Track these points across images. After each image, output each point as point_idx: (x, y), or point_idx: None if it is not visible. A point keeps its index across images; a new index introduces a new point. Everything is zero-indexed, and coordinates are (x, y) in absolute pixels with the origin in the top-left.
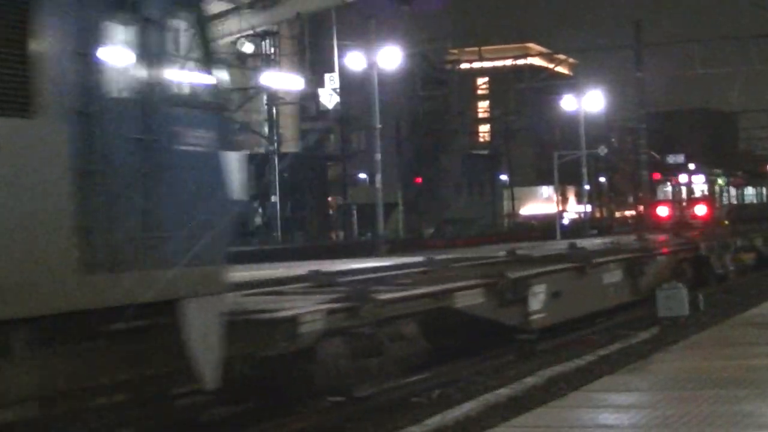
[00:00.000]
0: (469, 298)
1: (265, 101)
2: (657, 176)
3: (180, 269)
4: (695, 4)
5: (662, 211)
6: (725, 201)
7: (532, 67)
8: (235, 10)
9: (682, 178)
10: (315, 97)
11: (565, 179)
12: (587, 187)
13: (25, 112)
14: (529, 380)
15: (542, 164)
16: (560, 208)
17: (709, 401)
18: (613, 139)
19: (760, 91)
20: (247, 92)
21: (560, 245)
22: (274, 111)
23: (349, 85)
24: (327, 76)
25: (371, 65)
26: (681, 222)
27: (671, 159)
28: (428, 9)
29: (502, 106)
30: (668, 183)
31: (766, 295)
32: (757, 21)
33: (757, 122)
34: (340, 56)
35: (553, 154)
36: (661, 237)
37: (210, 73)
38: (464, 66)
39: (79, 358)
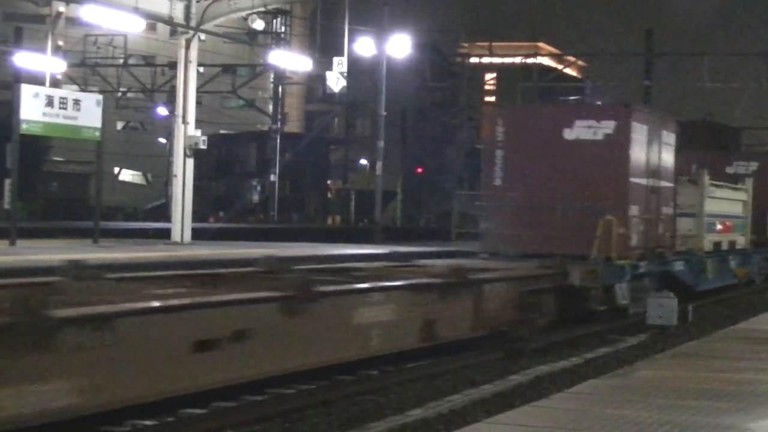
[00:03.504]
0: None
1: (271, 80)
2: None
3: None
4: (706, 18)
5: None
6: None
7: (541, 66)
8: None
9: None
10: (322, 79)
11: None
12: None
13: None
14: (515, 378)
15: None
16: None
17: (690, 411)
18: None
19: (765, 108)
20: (255, 69)
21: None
22: (280, 90)
23: (358, 70)
24: (336, 59)
25: (381, 52)
26: None
27: None
28: None
29: (508, 103)
30: None
31: (756, 309)
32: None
33: (759, 139)
34: (350, 41)
35: None
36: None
37: None
38: (473, 60)
39: None
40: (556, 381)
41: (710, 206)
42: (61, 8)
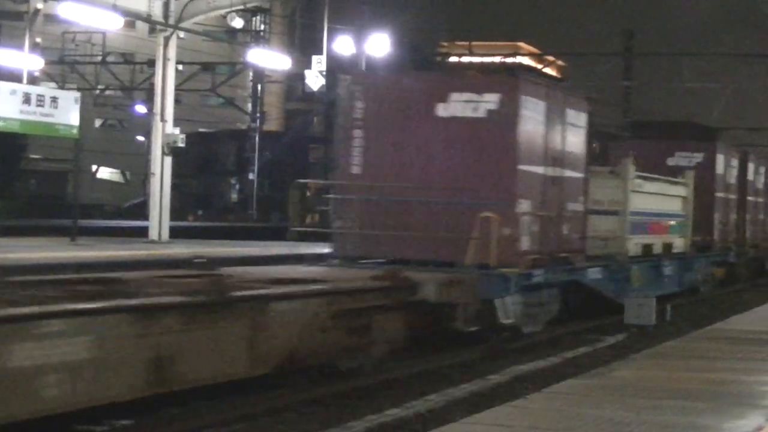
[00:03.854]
0: None
1: (251, 78)
2: None
3: None
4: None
5: None
6: None
7: (521, 66)
8: None
9: None
10: (302, 78)
11: None
12: None
13: None
14: (494, 377)
15: None
16: None
17: (667, 411)
18: (594, 144)
19: (743, 108)
20: (234, 67)
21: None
22: (260, 88)
23: (337, 68)
24: (315, 58)
25: (360, 50)
26: None
27: None
28: None
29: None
30: None
31: (735, 309)
32: (746, 40)
33: (739, 139)
34: (330, 39)
35: None
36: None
37: None
38: (453, 59)
39: None
40: (534, 381)
41: (637, 202)
42: (39, 5)
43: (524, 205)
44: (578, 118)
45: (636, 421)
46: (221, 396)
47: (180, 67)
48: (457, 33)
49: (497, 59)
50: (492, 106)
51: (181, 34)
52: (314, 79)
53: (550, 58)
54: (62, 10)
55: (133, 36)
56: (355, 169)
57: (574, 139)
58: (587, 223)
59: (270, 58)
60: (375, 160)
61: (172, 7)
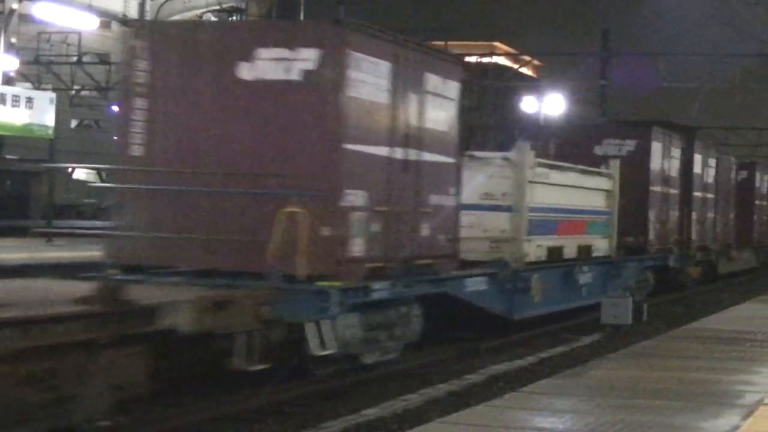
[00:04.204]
0: None
1: None
2: None
3: None
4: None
5: None
6: None
7: (497, 66)
8: None
9: None
10: None
11: None
12: None
13: None
14: (470, 377)
15: None
16: None
17: (643, 411)
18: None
19: (719, 108)
20: None
21: None
22: None
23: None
24: None
25: None
26: None
27: None
28: None
29: (464, 102)
30: None
31: (711, 309)
32: (723, 40)
33: (715, 139)
34: None
35: None
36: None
37: None
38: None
39: None
40: (510, 380)
41: (540, 196)
42: (15, 5)
43: (355, 198)
44: (446, 87)
45: (612, 420)
46: (197, 397)
47: None
48: (433, 33)
49: (473, 59)
50: (309, 66)
51: None
52: None
53: (527, 57)
54: (37, 11)
55: (109, 36)
56: (136, 150)
57: (440, 114)
58: (460, 220)
59: None
60: (161, 139)
61: (148, 7)
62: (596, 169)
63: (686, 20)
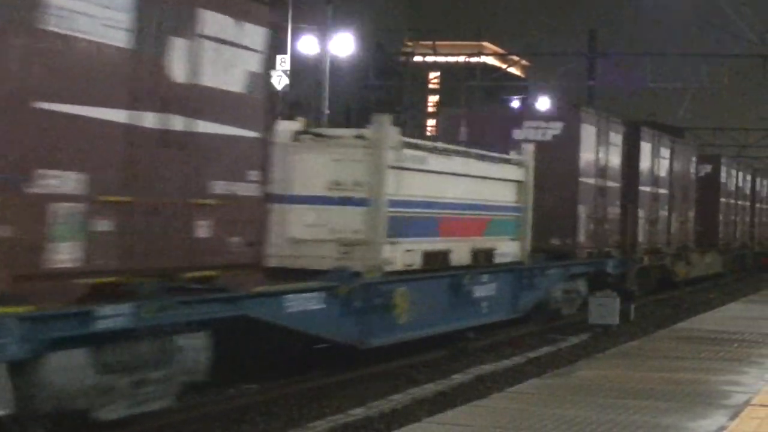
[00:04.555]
0: None
1: None
2: None
3: None
4: (650, 19)
5: None
6: None
7: (485, 66)
8: None
9: None
10: None
11: None
12: None
13: None
14: (458, 377)
15: None
16: None
17: (629, 411)
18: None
19: (706, 108)
20: None
21: None
22: None
23: (301, 68)
24: (279, 57)
25: (324, 50)
26: None
27: None
28: None
29: (452, 101)
30: None
31: (697, 309)
32: (709, 40)
33: (702, 140)
34: (294, 39)
35: None
36: None
37: None
38: (418, 59)
39: None
40: (497, 380)
41: (409, 186)
42: None
43: (60, 181)
44: (240, 32)
45: (598, 420)
46: (184, 395)
47: None
48: (421, 32)
49: (461, 59)
50: None
51: None
52: (278, 79)
53: (515, 57)
54: None
55: None
56: None
57: (230, 69)
58: (268, 216)
59: None
60: None
61: None
62: (500, 155)
63: (674, 21)
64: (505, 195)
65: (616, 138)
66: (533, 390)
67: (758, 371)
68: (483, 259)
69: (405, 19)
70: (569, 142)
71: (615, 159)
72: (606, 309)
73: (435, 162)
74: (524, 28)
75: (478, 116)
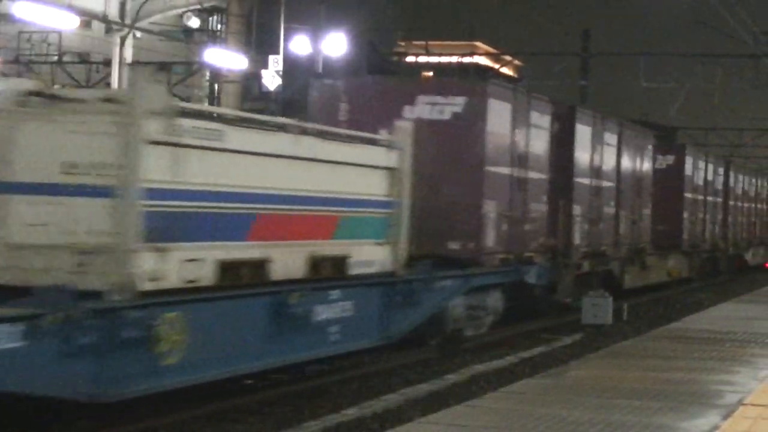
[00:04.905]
0: None
1: (207, 78)
2: None
3: None
4: (643, 18)
5: None
6: None
7: (478, 65)
8: None
9: None
10: (258, 77)
11: None
12: None
13: None
14: (451, 377)
15: None
16: None
17: (622, 411)
18: None
19: (699, 108)
20: (191, 67)
21: None
22: (216, 88)
23: (294, 68)
24: (272, 57)
25: (317, 50)
26: None
27: None
28: None
29: None
30: None
31: (691, 309)
32: (703, 40)
33: (695, 139)
34: (287, 39)
35: None
36: None
37: None
38: (410, 59)
39: None
40: (491, 380)
41: (189, 171)
42: None
43: None
44: None
45: (591, 420)
46: (177, 397)
47: None
48: (413, 32)
49: (454, 59)
50: None
51: (138, 34)
52: (271, 78)
53: (507, 57)
54: (18, 10)
55: (89, 35)
56: None
57: None
58: None
59: (226, 58)
60: None
61: (129, 6)
62: (358, 134)
63: (667, 21)
64: (369, 186)
65: (542, 120)
66: (526, 390)
67: (751, 371)
68: (329, 270)
69: (397, 19)
70: (473, 122)
71: (540, 145)
72: (599, 309)
73: (241, 138)
74: (517, 28)
75: (360, 88)
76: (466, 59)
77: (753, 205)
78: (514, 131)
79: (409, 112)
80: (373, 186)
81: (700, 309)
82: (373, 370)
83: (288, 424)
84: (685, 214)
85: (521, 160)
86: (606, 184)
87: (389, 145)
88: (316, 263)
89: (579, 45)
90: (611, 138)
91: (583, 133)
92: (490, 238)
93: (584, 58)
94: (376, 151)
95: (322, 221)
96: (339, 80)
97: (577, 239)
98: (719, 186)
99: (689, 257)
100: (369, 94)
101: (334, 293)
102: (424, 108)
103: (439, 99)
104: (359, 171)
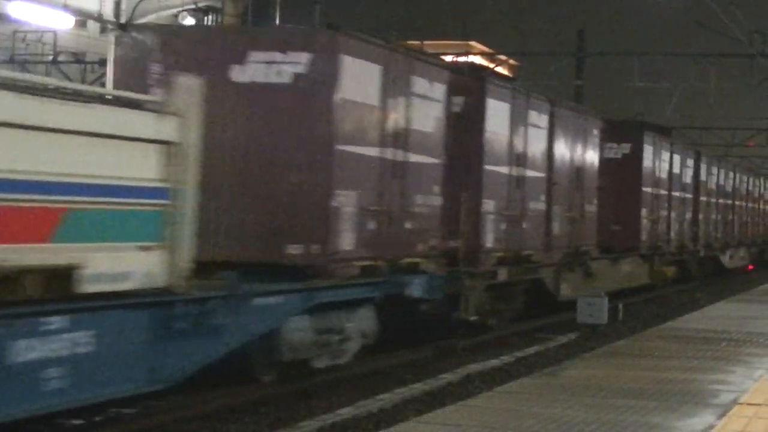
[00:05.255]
0: None
1: None
2: None
3: None
4: (638, 18)
5: None
6: None
7: (472, 65)
8: None
9: None
10: None
11: None
12: None
13: None
14: (446, 377)
15: None
16: None
17: (617, 410)
18: None
19: (695, 108)
20: None
21: None
22: None
23: None
24: None
25: None
26: None
27: None
28: None
29: None
30: None
31: (686, 308)
32: (698, 40)
33: (690, 139)
34: None
35: None
36: None
37: None
38: None
39: None
40: (486, 380)
41: None
42: None
43: None
44: None
45: (587, 420)
46: (172, 396)
47: None
48: (408, 31)
49: (449, 58)
50: None
51: None
52: None
53: (502, 57)
54: (12, 9)
55: (85, 36)
56: None
57: None
58: None
59: None
60: None
61: (123, 6)
62: (95, 90)
63: (662, 20)
64: (122, 166)
65: (434, 90)
66: (522, 389)
67: (746, 370)
68: (38, 288)
69: (392, 19)
70: (321, 86)
71: (430, 122)
72: (594, 308)
73: None
74: (512, 27)
75: (178, 43)
76: (461, 59)
77: (730, 202)
78: (386, 101)
79: (238, 73)
80: (132, 167)
81: (696, 308)
82: (368, 369)
83: (283, 423)
84: (644, 212)
85: (398, 138)
86: (532, 174)
87: (162, 110)
88: (16, 279)
89: (574, 45)
90: (540, 119)
91: (497, 110)
92: (345, 240)
93: (579, 58)
94: (138, 118)
95: (28, 215)
96: (150, 32)
97: (488, 241)
98: (688, 180)
99: (650, 262)
100: (188, 51)
101: (53, 321)
102: (258, 68)
103: (277, 56)
104: (103, 144)
